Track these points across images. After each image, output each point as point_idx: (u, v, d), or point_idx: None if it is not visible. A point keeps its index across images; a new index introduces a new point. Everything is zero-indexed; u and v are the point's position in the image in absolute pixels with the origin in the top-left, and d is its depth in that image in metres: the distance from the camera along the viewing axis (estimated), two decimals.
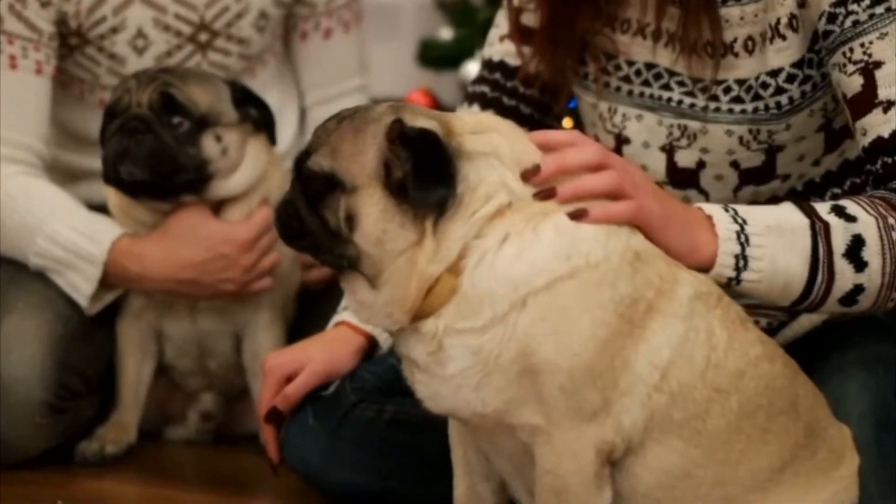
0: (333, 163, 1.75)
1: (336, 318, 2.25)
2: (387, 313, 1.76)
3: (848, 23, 1.97)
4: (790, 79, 2.05)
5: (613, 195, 1.78)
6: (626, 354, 1.73)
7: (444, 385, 1.77)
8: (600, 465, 1.75)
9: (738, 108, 2.08)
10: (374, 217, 1.73)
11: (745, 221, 1.86)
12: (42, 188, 2.55)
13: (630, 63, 2.14)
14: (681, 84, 2.11)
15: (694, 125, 2.11)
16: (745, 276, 1.86)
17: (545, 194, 1.75)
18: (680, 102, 2.11)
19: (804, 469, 1.83)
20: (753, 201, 2.13)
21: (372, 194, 1.73)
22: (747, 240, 1.85)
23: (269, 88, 2.71)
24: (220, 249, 2.47)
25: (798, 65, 2.05)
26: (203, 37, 2.65)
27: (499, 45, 2.28)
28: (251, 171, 2.51)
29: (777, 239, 1.86)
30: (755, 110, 2.07)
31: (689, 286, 1.78)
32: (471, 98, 2.30)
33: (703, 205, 1.89)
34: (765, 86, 2.06)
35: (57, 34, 2.59)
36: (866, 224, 1.88)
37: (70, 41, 2.62)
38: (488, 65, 2.30)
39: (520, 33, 2.22)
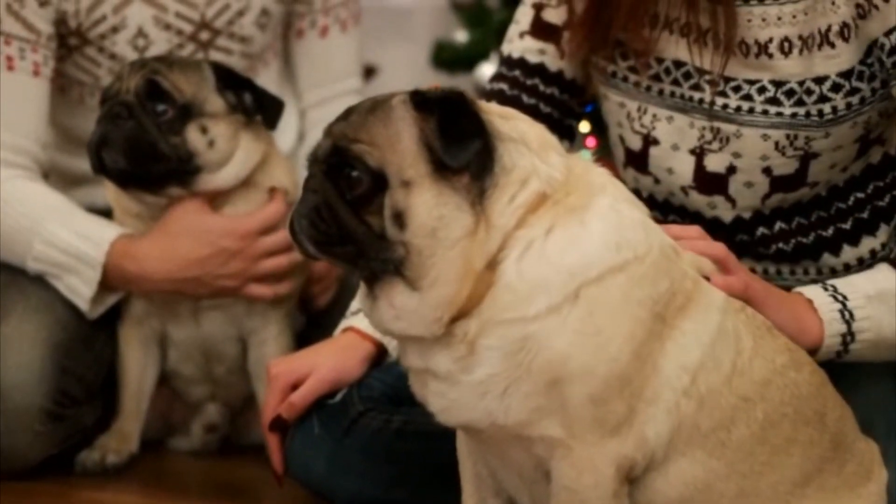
0: (378, 160, 1.68)
1: (344, 324, 2.20)
2: (435, 317, 1.68)
3: None
4: (835, 88, 2.01)
5: (721, 262, 1.85)
6: (655, 357, 1.70)
7: (467, 394, 1.71)
8: (619, 482, 1.71)
9: (773, 110, 2.04)
10: (429, 204, 1.66)
11: (845, 297, 1.92)
12: (39, 192, 2.51)
13: (659, 60, 2.11)
14: (712, 83, 2.06)
15: (728, 128, 2.07)
16: (852, 347, 1.93)
17: None
18: (712, 104, 2.07)
19: (830, 484, 1.79)
20: (779, 207, 2.11)
21: (422, 183, 1.67)
22: (851, 315, 1.91)
23: (271, 89, 2.66)
24: (221, 243, 2.43)
25: (846, 75, 2.01)
26: (204, 35, 2.61)
27: (518, 42, 2.25)
28: (244, 163, 2.46)
29: (879, 306, 1.91)
30: (794, 115, 2.03)
31: None
32: (489, 95, 2.27)
33: (802, 288, 1.94)
34: (809, 92, 2.02)
35: (55, 35, 2.56)
36: None
37: (69, 41, 2.59)
38: (507, 61, 2.26)
39: (541, 30, 2.21)
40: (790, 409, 1.76)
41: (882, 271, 1.95)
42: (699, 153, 2.10)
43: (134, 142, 2.37)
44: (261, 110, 2.47)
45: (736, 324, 1.76)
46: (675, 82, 2.10)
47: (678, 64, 2.10)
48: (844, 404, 1.85)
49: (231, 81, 2.45)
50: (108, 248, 2.43)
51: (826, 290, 1.93)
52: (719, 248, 1.88)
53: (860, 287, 1.92)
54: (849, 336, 1.91)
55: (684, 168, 2.12)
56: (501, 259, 1.68)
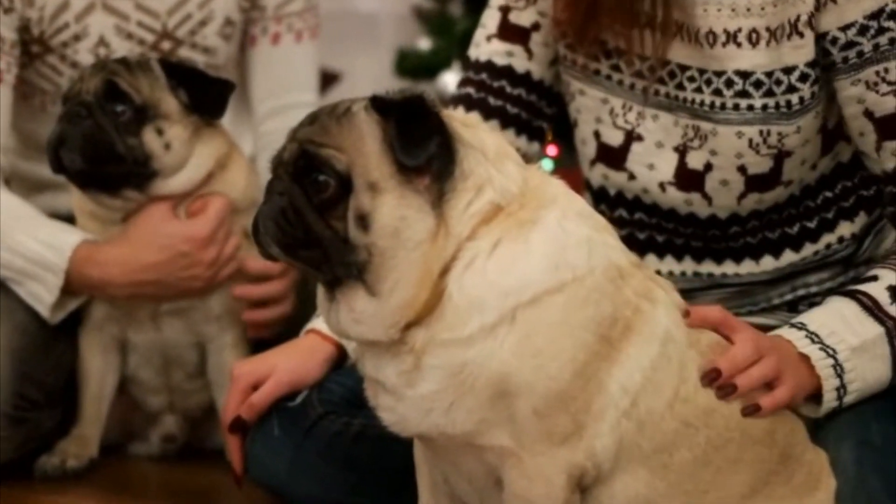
0: (345, 164, 1.69)
1: (307, 326, 2.21)
2: (393, 321, 1.70)
3: (884, 40, 1.97)
4: (803, 78, 2.03)
5: (722, 324, 1.85)
6: (600, 377, 1.71)
7: (412, 408, 1.73)
8: (571, 490, 1.72)
9: (744, 103, 2.05)
10: (391, 205, 1.68)
11: (834, 350, 1.92)
12: (0, 198, 2.49)
13: (643, 59, 2.11)
14: (691, 80, 2.08)
15: (705, 126, 2.08)
16: (845, 399, 1.92)
17: (726, 392, 1.79)
18: (693, 101, 2.08)
19: (778, 494, 1.81)
20: (755, 210, 2.12)
21: (386, 184, 1.68)
22: (842, 369, 1.92)
23: (232, 101, 2.62)
24: (181, 248, 2.43)
25: (812, 64, 2.03)
26: (166, 45, 2.61)
27: (486, 46, 2.25)
28: (200, 167, 2.46)
29: (862, 356, 1.93)
30: (765, 107, 2.04)
31: (666, 308, 1.77)
32: (455, 101, 2.27)
33: (793, 339, 1.92)
34: (778, 82, 2.04)
35: (19, 42, 2.55)
36: None
37: (32, 49, 2.58)
38: (474, 65, 2.26)
39: (508, 32, 2.21)
40: (736, 434, 1.78)
41: (855, 316, 1.95)
42: (682, 150, 2.11)
43: (91, 141, 2.38)
44: (206, 98, 2.45)
45: (682, 355, 1.76)
46: (661, 81, 2.11)
47: (662, 62, 2.10)
48: (794, 417, 1.87)
49: (178, 75, 2.44)
50: (71, 254, 2.42)
51: (813, 342, 1.92)
52: (715, 312, 1.86)
53: (844, 339, 1.92)
54: (842, 389, 1.92)
55: (667, 165, 2.12)
56: (450, 269, 1.69)
